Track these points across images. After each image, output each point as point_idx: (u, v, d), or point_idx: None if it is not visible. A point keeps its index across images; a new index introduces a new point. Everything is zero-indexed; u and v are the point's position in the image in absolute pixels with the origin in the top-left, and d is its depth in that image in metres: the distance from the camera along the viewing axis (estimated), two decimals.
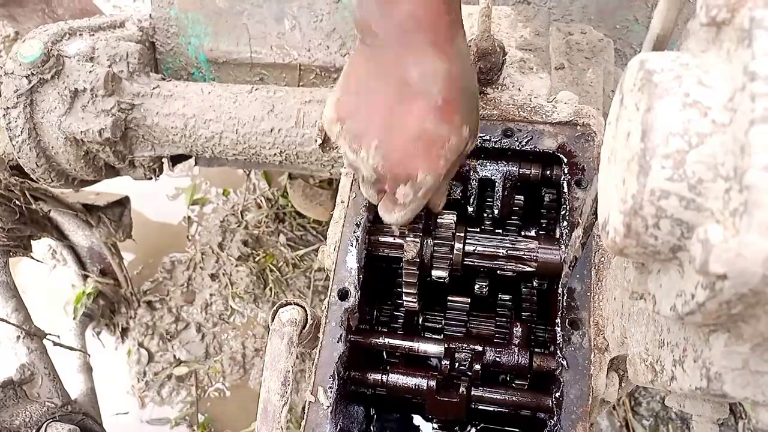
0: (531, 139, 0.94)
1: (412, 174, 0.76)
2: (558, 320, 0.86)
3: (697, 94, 0.41)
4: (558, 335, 0.85)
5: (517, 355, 0.89)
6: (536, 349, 0.93)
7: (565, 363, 0.83)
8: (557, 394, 0.82)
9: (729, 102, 0.40)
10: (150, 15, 1.46)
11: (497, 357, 0.90)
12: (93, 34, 1.33)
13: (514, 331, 0.91)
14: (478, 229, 0.96)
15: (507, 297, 1.03)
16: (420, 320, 1.04)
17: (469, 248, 0.93)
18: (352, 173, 0.98)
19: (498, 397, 0.90)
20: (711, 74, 0.42)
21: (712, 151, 0.40)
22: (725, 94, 0.40)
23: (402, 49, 0.72)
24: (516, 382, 0.95)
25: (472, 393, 0.90)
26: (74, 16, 1.78)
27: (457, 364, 0.91)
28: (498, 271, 0.94)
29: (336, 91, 0.81)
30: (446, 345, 0.92)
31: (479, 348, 0.91)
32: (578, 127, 0.93)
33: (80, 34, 1.31)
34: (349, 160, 0.81)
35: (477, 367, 0.89)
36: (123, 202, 1.91)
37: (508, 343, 0.91)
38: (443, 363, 0.91)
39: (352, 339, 0.91)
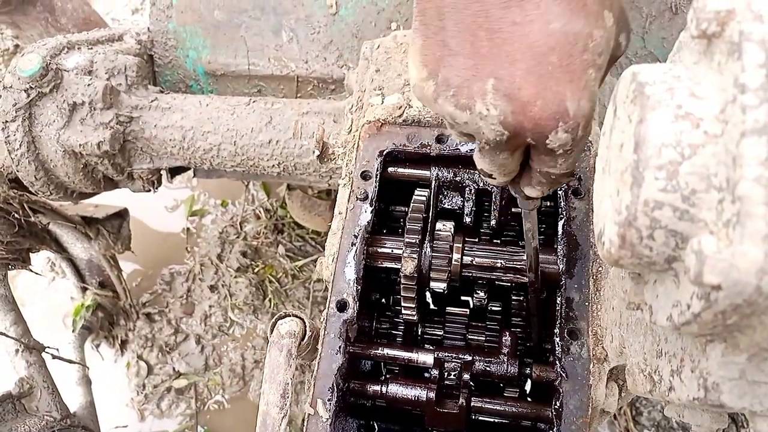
0: None
1: (561, 107, 0.54)
2: (556, 330, 0.86)
3: (689, 105, 0.42)
4: (557, 345, 0.85)
5: (506, 364, 0.89)
6: (528, 360, 0.93)
7: (564, 373, 0.83)
8: (557, 405, 0.82)
9: (721, 113, 0.40)
10: (148, 28, 1.46)
11: (486, 366, 0.90)
12: (91, 48, 1.34)
13: (503, 340, 0.91)
14: (476, 240, 0.97)
15: (499, 306, 1.03)
16: (419, 331, 1.04)
17: (467, 259, 0.93)
18: (350, 183, 0.98)
19: (498, 408, 0.89)
20: (703, 86, 0.43)
21: (704, 162, 0.40)
22: (717, 106, 0.41)
23: None
24: (507, 390, 0.95)
25: (472, 404, 0.89)
26: (77, 26, 1.79)
27: (446, 374, 0.91)
28: (496, 282, 0.95)
29: (414, 39, 0.60)
30: (435, 355, 0.92)
31: (468, 357, 0.91)
32: None
33: (79, 48, 1.31)
34: (461, 126, 0.59)
35: (466, 376, 0.89)
36: (122, 214, 1.92)
37: (497, 352, 0.91)
38: (432, 373, 0.91)
39: (351, 350, 0.91)
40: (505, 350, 0.90)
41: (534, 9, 0.52)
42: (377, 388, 0.92)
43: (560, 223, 0.91)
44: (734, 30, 0.39)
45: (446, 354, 0.92)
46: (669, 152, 0.41)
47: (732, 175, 0.38)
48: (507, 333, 0.92)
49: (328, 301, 0.91)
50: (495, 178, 0.63)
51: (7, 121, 1.20)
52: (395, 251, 0.95)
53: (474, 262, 0.93)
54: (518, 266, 0.91)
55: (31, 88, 1.19)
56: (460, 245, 0.93)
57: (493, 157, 0.60)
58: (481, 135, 0.57)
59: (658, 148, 0.41)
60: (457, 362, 0.91)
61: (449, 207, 1.00)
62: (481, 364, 0.90)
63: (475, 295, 1.00)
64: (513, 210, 0.99)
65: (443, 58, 0.57)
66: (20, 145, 1.22)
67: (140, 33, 1.46)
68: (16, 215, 1.46)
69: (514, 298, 1.02)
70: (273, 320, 0.88)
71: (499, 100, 0.54)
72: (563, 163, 0.59)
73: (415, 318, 0.96)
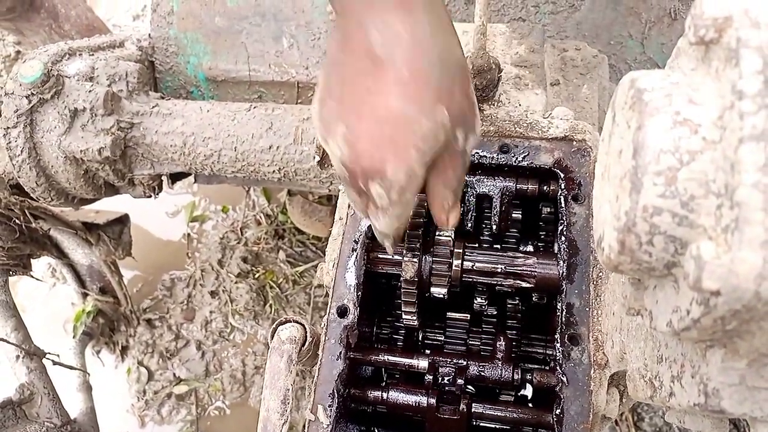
0: (528, 154, 0.94)
1: (381, 169, 0.63)
2: (557, 336, 0.86)
3: (687, 111, 0.42)
4: (557, 351, 0.85)
5: (501, 369, 0.89)
6: (529, 365, 0.93)
7: (565, 379, 0.83)
8: (558, 411, 0.82)
9: (719, 120, 0.40)
10: (149, 34, 1.47)
11: (481, 371, 0.90)
12: (92, 54, 1.34)
13: (498, 345, 0.91)
14: (477, 245, 0.97)
15: (495, 311, 1.03)
16: (420, 337, 1.04)
17: (467, 265, 0.93)
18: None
19: (499, 414, 0.89)
20: (701, 92, 0.43)
21: (703, 168, 0.40)
22: (715, 112, 0.41)
23: (364, 11, 0.62)
24: (503, 395, 0.95)
25: (473, 410, 0.89)
26: (81, 32, 1.80)
27: (440, 378, 0.91)
28: (497, 287, 0.95)
29: (320, 78, 0.71)
30: (430, 359, 0.92)
31: (462, 362, 0.91)
32: (574, 143, 0.93)
33: (80, 54, 1.32)
34: (330, 156, 0.69)
35: (460, 381, 0.89)
36: (122, 220, 1.92)
37: (491, 357, 0.91)
38: (427, 378, 0.91)
39: (352, 356, 0.91)
40: (500, 355, 0.91)
41: (383, 85, 0.62)
42: (378, 394, 0.92)
43: (560, 229, 0.91)
44: (731, 37, 0.39)
45: (441, 358, 0.92)
46: (667, 158, 0.41)
47: (730, 181, 0.38)
48: (502, 338, 0.92)
49: (328, 306, 0.91)
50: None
51: (8, 128, 1.20)
52: (396, 257, 0.95)
53: (474, 268, 0.93)
54: (519, 271, 0.91)
55: (32, 94, 1.20)
56: (461, 250, 0.93)
57: (347, 192, 0.70)
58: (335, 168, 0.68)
59: (656, 154, 0.41)
60: (452, 367, 0.91)
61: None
62: (476, 368, 0.91)
63: (475, 301, 1.00)
64: (513, 215, 1.00)
65: (324, 98, 0.68)
66: (21, 151, 1.22)
67: (141, 39, 1.46)
68: (17, 221, 1.47)
69: (510, 302, 1.02)
70: (273, 326, 0.89)
71: (343, 144, 0.64)
72: (382, 218, 0.69)
73: (415, 323, 0.96)
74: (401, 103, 0.62)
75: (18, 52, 2.58)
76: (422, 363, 0.92)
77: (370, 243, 0.96)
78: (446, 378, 0.91)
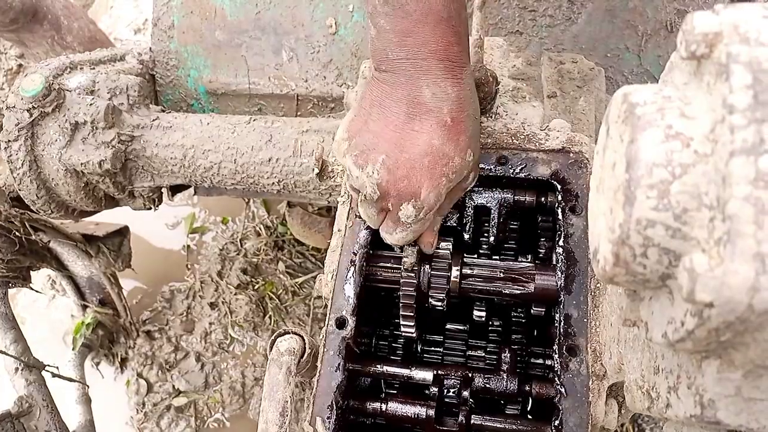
0: (525, 166, 0.95)
1: (417, 191, 0.78)
2: (555, 347, 0.86)
3: (679, 125, 0.42)
4: (556, 362, 0.85)
5: (506, 381, 0.89)
6: (532, 374, 0.93)
7: (563, 390, 0.83)
8: (556, 422, 0.82)
9: (710, 133, 0.41)
10: (150, 48, 1.48)
11: (486, 383, 0.90)
12: (94, 68, 1.35)
13: (503, 357, 0.91)
14: (475, 256, 0.97)
15: (499, 323, 1.03)
16: (418, 348, 1.04)
17: (466, 276, 0.93)
18: (349, 200, 0.99)
19: (498, 425, 0.89)
20: (693, 106, 0.43)
21: (695, 181, 0.41)
22: (707, 126, 0.42)
23: (416, 72, 0.76)
24: (508, 408, 0.95)
25: (472, 422, 0.89)
26: (83, 44, 1.81)
27: (445, 391, 0.91)
28: (495, 298, 0.95)
29: (349, 114, 0.84)
30: (435, 372, 0.92)
31: (467, 374, 0.91)
32: (571, 155, 0.94)
33: (81, 68, 1.33)
34: (352, 179, 0.81)
35: (465, 393, 0.89)
36: (122, 232, 1.92)
37: (496, 369, 0.91)
38: (431, 390, 0.91)
39: (351, 368, 0.91)
40: (505, 367, 0.91)
41: (427, 127, 0.78)
42: (377, 405, 0.92)
43: (558, 240, 0.91)
44: (722, 52, 0.40)
45: (446, 371, 0.92)
46: (660, 172, 0.41)
47: (722, 194, 0.38)
48: (507, 350, 0.92)
49: (327, 318, 0.92)
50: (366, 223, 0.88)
51: (9, 141, 1.21)
52: (395, 266, 0.95)
53: (473, 279, 0.93)
54: (517, 282, 0.92)
55: (33, 107, 1.21)
56: (459, 261, 0.93)
57: (366, 209, 0.83)
58: (364, 189, 0.80)
59: (649, 167, 0.42)
60: (457, 379, 0.91)
61: (448, 224, 1.00)
62: (481, 380, 0.90)
63: (474, 312, 1.01)
64: (511, 227, 1.00)
65: (360, 131, 0.81)
66: (22, 164, 1.23)
67: (142, 53, 1.48)
68: (17, 233, 1.47)
69: (514, 315, 1.02)
70: (272, 337, 0.89)
71: (383, 170, 0.78)
72: (400, 233, 0.84)
73: (414, 335, 0.96)
74: (442, 142, 0.77)
75: (20, 65, 2.60)
76: (427, 375, 0.92)
77: (369, 254, 0.96)
78: (451, 390, 0.91)
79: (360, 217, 0.92)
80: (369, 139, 0.80)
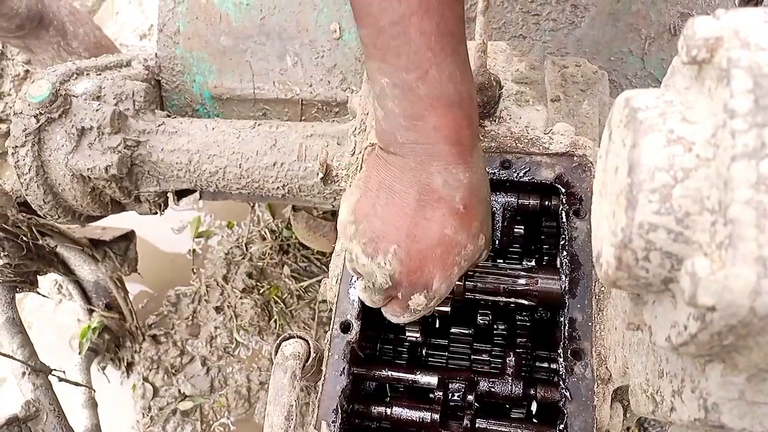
0: (529, 170, 0.95)
1: (429, 282, 0.76)
2: (560, 351, 0.86)
3: (681, 130, 0.43)
4: (561, 366, 0.85)
5: (511, 385, 0.89)
6: (537, 378, 0.93)
7: (568, 394, 0.83)
8: (561, 426, 0.82)
9: (712, 137, 0.41)
10: (156, 54, 1.49)
11: (491, 387, 0.90)
12: (100, 74, 1.37)
13: (507, 361, 0.91)
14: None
15: (504, 326, 1.03)
16: (423, 352, 1.04)
17: (470, 281, 0.93)
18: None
19: (503, 429, 0.89)
20: (694, 110, 0.43)
21: (697, 185, 0.41)
22: (708, 130, 0.42)
23: (426, 157, 0.73)
24: (513, 412, 0.95)
25: (477, 425, 0.89)
26: (89, 50, 1.83)
27: (450, 395, 0.91)
28: (500, 303, 0.95)
29: (354, 192, 0.80)
30: (440, 376, 0.92)
31: (472, 378, 0.91)
32: (575, 158, 0.94)
33: (87, 74, 1.34)
34: (358, 265, 0.78)
35: (470, 397, 0.89)
36: (129, 237, 1.93)
37: (501, 373, 0.91)
38: (436, 394, 0.91)
39: (355, 372, 0.91)
40: (510, 371, 0.91)
41: (440, 216, 0.74)
42: (382, 409, 0.92)
43: (562, 244, 0.92)
44: (723, 57, 0.40)
45: (451, 375, 0.92)
46: (662, 176, 0.42)
47: (724, 198, 0.38)
48: (511, 353, 0.92)
49: (331, 322, 0.92)
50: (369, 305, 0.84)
51: (16, 146, 1.22)
52: None
53: (477, 283, 0.93)
54: (521, 285, 0.92)
55: (40, 113, 1.22)
56: None
57: (371, 295, 0.79)
58: (373, 278, 0.76)
59: (651, 171, 0.42)
60: (462, 383, 0.91)
61: None
62: (486, 384, 0.90)
63: (479, 316, 1.01)
64: (515, 231, 1.00)
65: (368, 216, 0.76)
66: (29, 170, 1.24)
67: (148, 59, 1.49)
68: (24, 238, 1.48)
69: (518, 318, 1.02)
70: (277, 342, 0.89)
71: (395, 261, 0.74)
72: (406, 317, 0.81)
73: (418, 338, 0.97)
74: (454, 231, 0.75)
75: (27, 71, 2.62)
76: (432, 379, 0.92)
77: None
78: (456, 394, 0.91)
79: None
80: (378, 226, 0.76)
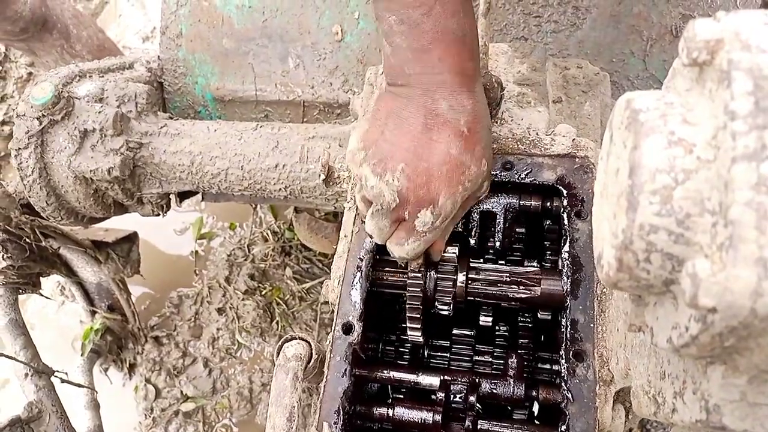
0: (530, 171, 0.95)
1: (434, 198, 0.80)
2: (562, 352, 0.86)
3: (682, 132, 0.43)
4: (562, 367, 0.85)
5: (513, 386, 0.89)
6: (539, 379, 0.93)
7: (570, 395, 0.83)
8: (563, 428, 0.82)
9: (713, 139, 0.41)
10: (158, 56, 1.50)
11: (493, 388, 0.90)
12: (102, 76, 1.37)
13: (509, 363, 0.91)
14: (481, 261, 0.97)
15: (506, 327, 1.03)
16: (425, 353, 1.04)
17: (472, 281, 0.93)
18: (356, 208, 0.99)
19: (505, 431, 0.89)
20: (695, 112, 0.44)
21: (697, 186, 0.41)
22: (709, 132, 0.42)
23: (432, 86, 0.79)
24: (515, 413, 0.95)
25: (479, 427, 0.89)
26: (92, 52, 1.84)
27: (452, 396, 0.91)
28: (502, 303, 0.95)
29: (362, 124, 0.85)
30: (441, 377, 0.92)
31: (474, 380, 0.91)
32: (577, 159, 0.94)
33: (90, 76, 1.35)
34: (367, 188, 0.82)
35: (472, 399, 0.89)
36: (131, 238, 1.93)
37: (503, 375, 0.91)
38: (438, 396, 0.91)
39: (357, 373, 0.91)
40: (512, 372, 0.91)
41: (445, 137, 0.79)
42: (383, 411, 0.92)
43: (564, 245, 0.92)
44: (723, 59, 0.40)
45: (452, 376, 0.92)
46: (663, 177, 0.42)
47: (724, 199, 0.38)
48: (513, 355, 0.92)
49: (333, 323, 0.92)
50: (373, 238, 0.87)
51: (20, 148, 1.23)
52: (400, 270, 0.95)
53: (479, 284, 0.93)
54: (523, 287, 0.92)
55: (43, 115, 1.22)
56: (465, 267, 0.94)
57: (379, 220, 0.83)
58: (381, 197, 0.81)
59: (652, 173, 0.42)
60: (464, 384, 0.91)
61: (454, 229, 1.00)
62: (488, 386, 0.90)
63: (481, 318, 1.01)
64: (517, 231, 1.00)
65: (377, 141, 0.82)
66: (32, 172, 1.24)
67: (150, 61, 1.49)
68: (27, 240, 1.49)
69: (520, 320, 1.02)
70: (279, 343, 0.89)
71: (402, 177, 0.79)
72: (413, 244, 0.84)
73: (420, 340, 0.97)
74: (459, 152, 0.80)
75: (30, 73, 2.63)
76: (433, 380, 0.92)
77: (376, 260, 0.96)
78: (458, 396, 0.91)
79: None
80: (386, 149, 0.81)
